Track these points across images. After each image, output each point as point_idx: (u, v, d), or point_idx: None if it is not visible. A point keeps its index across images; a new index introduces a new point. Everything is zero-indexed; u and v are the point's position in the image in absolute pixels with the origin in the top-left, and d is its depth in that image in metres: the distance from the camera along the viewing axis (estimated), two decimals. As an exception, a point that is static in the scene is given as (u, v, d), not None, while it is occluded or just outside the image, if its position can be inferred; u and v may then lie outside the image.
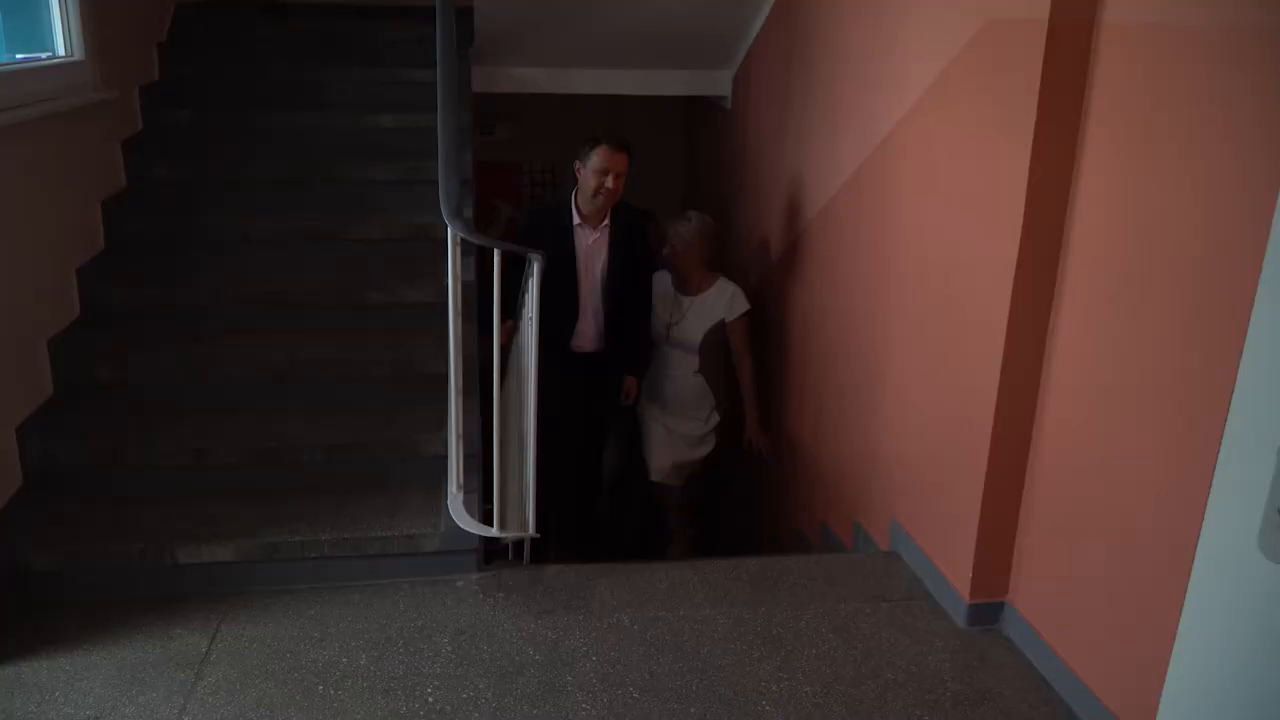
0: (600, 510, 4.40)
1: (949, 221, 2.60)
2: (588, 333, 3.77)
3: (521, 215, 3.71)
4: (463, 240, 2.63)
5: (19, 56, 3.11)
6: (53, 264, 3.00)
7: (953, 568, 2.61)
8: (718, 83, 5.03)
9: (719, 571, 2.81)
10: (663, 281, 4.03)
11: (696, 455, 4.09)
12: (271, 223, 3.47)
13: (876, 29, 3.06)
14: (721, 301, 3.95)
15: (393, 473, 2.86)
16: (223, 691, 2.23)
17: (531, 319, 2.65)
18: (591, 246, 3.66)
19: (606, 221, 3.65)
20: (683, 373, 4.00)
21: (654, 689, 2.27)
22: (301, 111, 3.90)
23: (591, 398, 3.89)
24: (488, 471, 2.75)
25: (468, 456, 2.72)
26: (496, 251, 2.53)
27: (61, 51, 3.21)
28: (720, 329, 3.95)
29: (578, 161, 3.54)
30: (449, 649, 2.39)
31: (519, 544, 2.88)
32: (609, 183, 3.48)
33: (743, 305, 3.95)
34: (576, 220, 3.61)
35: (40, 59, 3.13)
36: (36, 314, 2.87)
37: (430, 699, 2.22)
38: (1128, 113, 2.02)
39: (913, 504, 2.86)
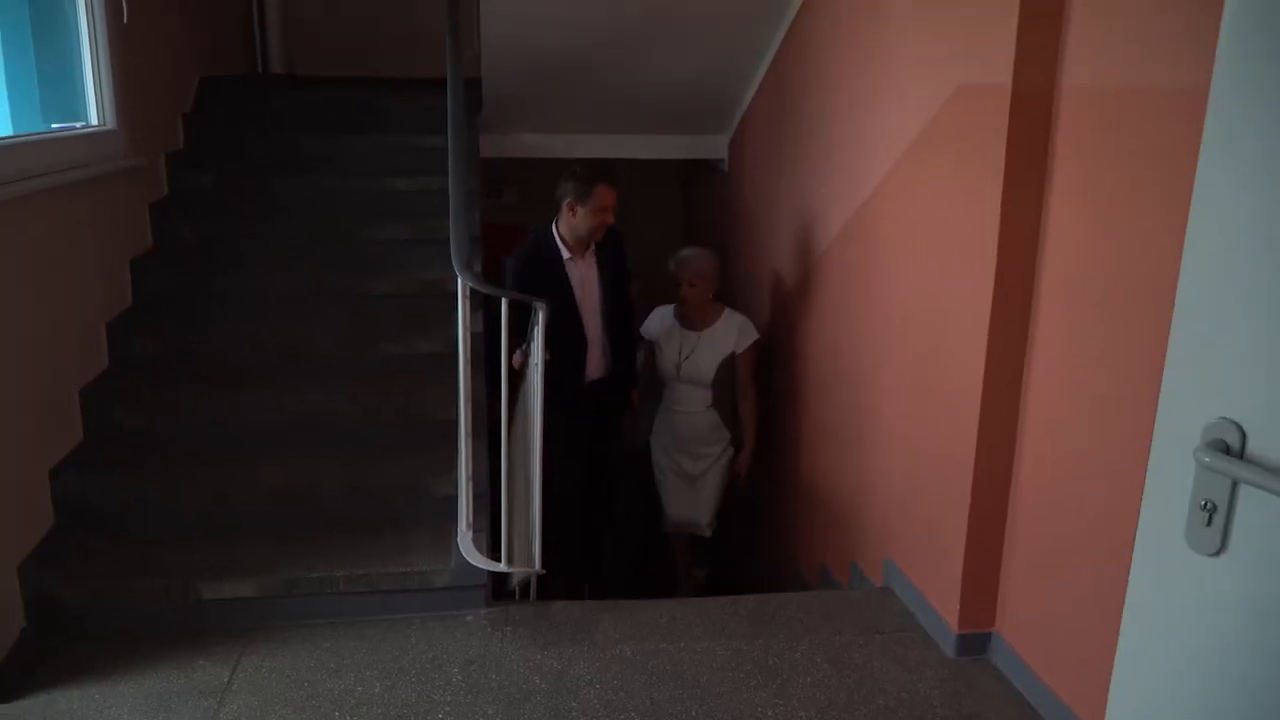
0: (606, 547, 4.46)
1: (930, 270, 2.77)
2: (595, 360, 3.85)
3: (512, 264, 3.69)
4: (472, 292, 2.80)
5: (55, 125, 3.31)
6: (85, 318, 3.17)
7: (941, 601, 2.73)
8: (715, 146, 5.26)
9: (718, 608, 2.92)
10: (665, 318, 4.09)
11: (711, 498, 4.10)
12: (290, 280, 3.65)
13: (858, 97, 3.27)
14: (731, 333, 3.98)
15: (405, 513, 2.99)
16: (244, 718, 2.34)
17: (537, 365, 2.81)
18: (585, 276, 3.77)
19: (591, 249, 3.77)
20: (696, 408, 4.01)
21: (655, 714, 2.38)
22: (318, 175, 4.11)
23: (599, 423, 3.95)
24: (496, 512, 2.88)
25: (477, 497, 2.85)
26: (504, 300, 2.70)
27: (95, 121, 3.42)
28: (731, 361, 3.98)
29: (570, 199, 3.62)
30: (459, 678, 2.50)
31: (524, 585, 3.00)
32: (609, 219, 3.65)
33: (752, 335, 3.99)
34: (566, 255, 3.71)
35: (75, 128, 3.34)
36: (70, 365, 3.03)
37: (440, 719, 2.33)
38: (1086, 165, 2.20)
39: (904, 542, 2.98)
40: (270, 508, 2.94)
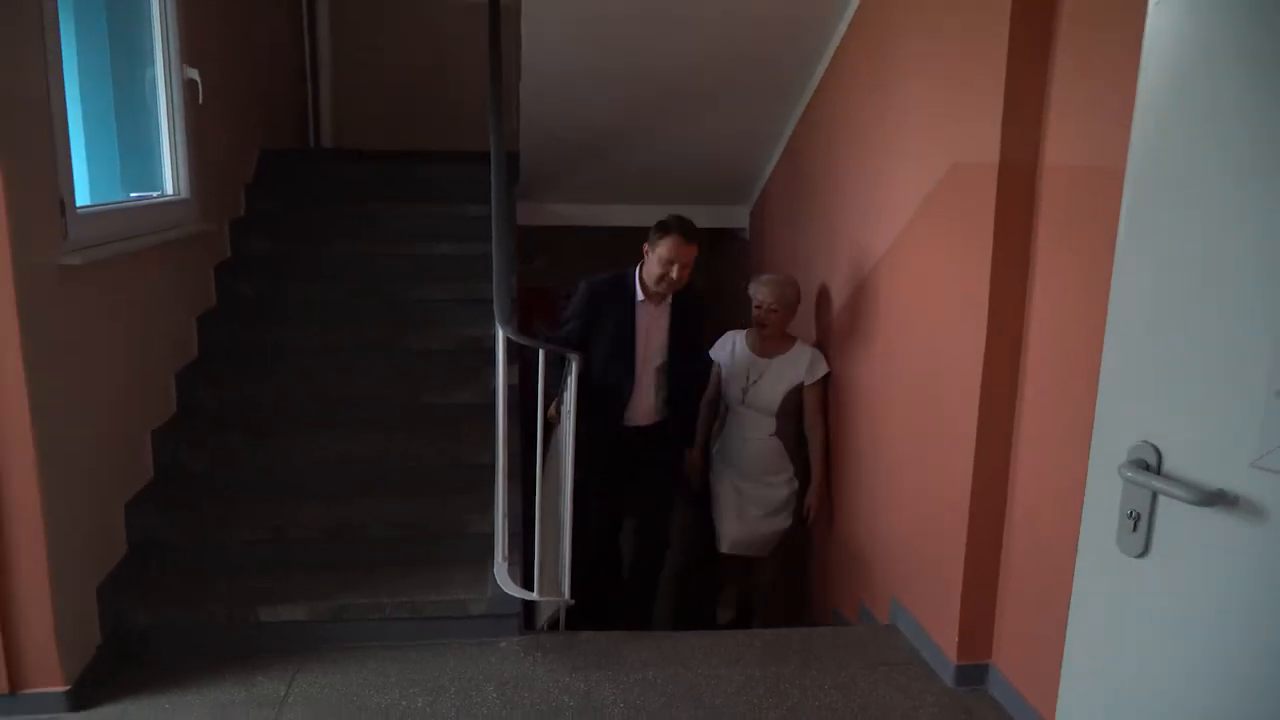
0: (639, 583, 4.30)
1: (929, 327, 3.03)
2: (641, 406, 3.77)
3: (586, 284, 3.72)
4: (509, 345, 3.08)
5: (134, 194, 3.65)
6: (157, 368, 3.48)
7: (942, 634, 2.93)
8: (737, 216, 5.57)
9: (734, 640, 3.14)
10: (734, 342, 4.04)
11: (773, 528, 3.99)
12: (340, 335, 3.95)
13: (866, 170, 3.57)
14: (802, 364, 3.90)
15: (444, 548, 3.23)
16: (300, 727, 2.57)
17: (569, 412, 3.07)
18: (652, 321, 3.71)
19: (668, 300, 3.73)
20: (759, 435, 3.93)
21: None
22: (365, 241, 4.44)
23: (642, 469, 3.86)
24: (529, 548, 3.12)
25: (511, 534, 3.10)
26: (541, 350, 2.97)
27: (170, 191, 3.76)
28: (798, 392, 3.90)
29: (646, 244, 3.63)
30: (495, 696, 2.72)
31: (554, 622, 3.23)
32: (674, 273, 3.55)
33: (823, 368, 3.90)
34: (640, 296, 3.67)
35: (152, 197, 3.68)
36: (143, 410, 3.33)
37: (479, 735, 2.55)
38: (1065, 230, 2.46)
39: (908, 581, 3.19)
40: (321, 542, 3.20)
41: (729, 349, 4.04)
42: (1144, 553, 1.41)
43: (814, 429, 3.94)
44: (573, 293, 3.85)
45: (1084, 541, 1.51)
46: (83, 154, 3.44)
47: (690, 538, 4.29)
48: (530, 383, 3.21)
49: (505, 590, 2.97)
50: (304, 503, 3.30)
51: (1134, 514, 1.40)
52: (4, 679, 2.59)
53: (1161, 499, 1.38)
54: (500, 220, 3.36)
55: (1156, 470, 1.37)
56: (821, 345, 4.05)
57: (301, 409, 3.65)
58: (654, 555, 4.05)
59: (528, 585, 3.02)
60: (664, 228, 3.57)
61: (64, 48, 2.72)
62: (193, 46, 3.74)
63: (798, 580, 4.47)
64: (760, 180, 5.15)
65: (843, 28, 3.79)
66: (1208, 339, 1.31)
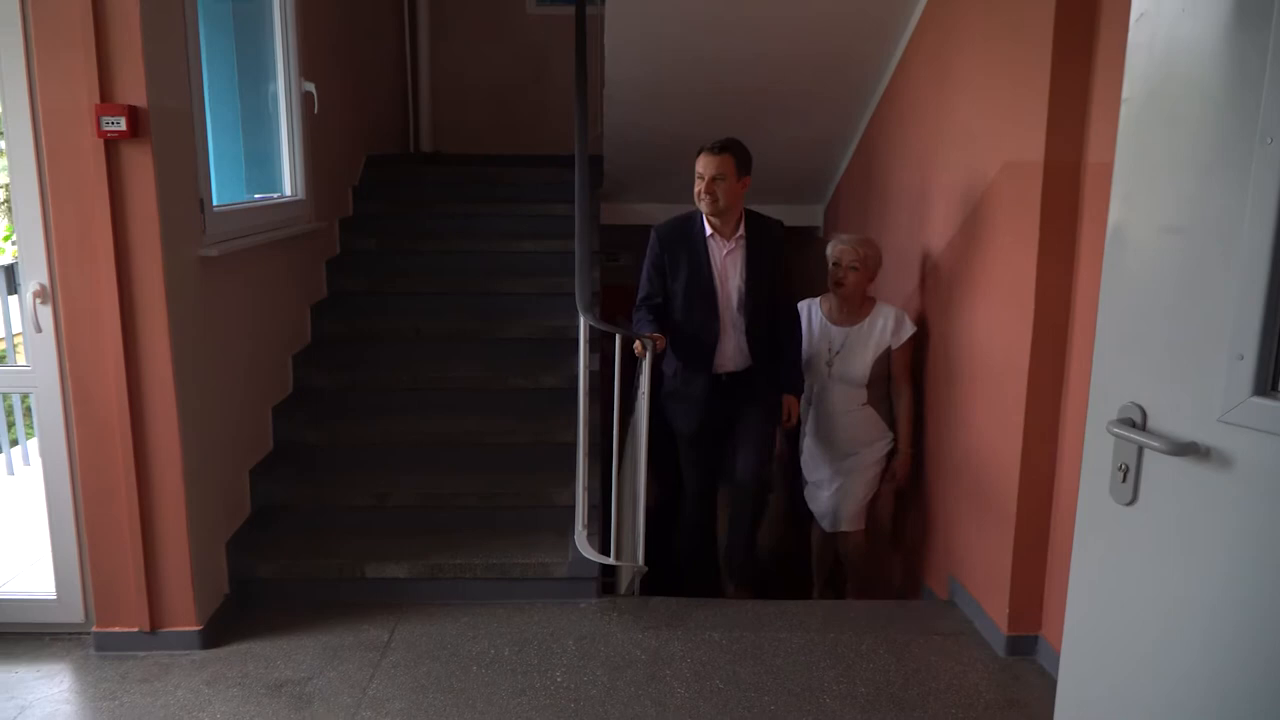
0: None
1: (983, 315, 3.20)
2: (728, 350, 3.60)
3: (655, 231, 3.64)
4: (591, 333, 3.36)
5: (257, 196, 4.05)
6: (276, 351, 3.86)
7: (994, 606, 3.10)
8: (811, 214, 5.76)
9: (797, 608, 3.36)
10: (810, 312, 3.83)
11: (868, 497, 3.83)
12: (436, 324, 4.29)
13: (926, 167, 3.74)
14: (887, 327, 3.68)
15: (530, 518, 3.53)
16: (401, 666, 2.89)
17: (644, 394, 3.33)
18: (726, 259, 3.55)
19: (741, 232, 3.55)
20: (850, 407, 3.75)
21: (736, 683, 2.82)
22: (461, 238, 4.78)
23: (736, 420, 3.70)
24: (607, 519, 3.39)
25: (591, 505, 3.38)
26: (618, 336, 3.24)
27: (289, 192, 4.15)
28: (886, 358, 3.70)
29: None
30: (573, 648, 3.00)
31: (633, 587, 3.49)
32: (704, 187, 3.44)
33: (909, 328, 3.68)
34: (709, 232, 3.54)
35: (273, 198, 4.07)
36: (264, 390, 3.71)
37: (559, 679, 2.83)
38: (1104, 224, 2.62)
39: (964, 557, 3.36)
40: (420, 509, 3.53)
41: (805, 319, 3.79)
42: (1133, 500, 1.60)
43: (900, 393, 3.73)
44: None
45: (1083, 494, 1.70)
46: (213, 159, 3.87)
47: (785, 511, 4.29)
48: (612, 370, 3.48)
49: (584, 555, 3.24)
50: (404, 474, 3.64)
51: (1124, 466, 1.60)
52: (146, 618, 2.98)
53: (1146, 452, 1.56)
54: (582, 219, 3.65)
55: (1142, 427, 1.57)
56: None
57: (402, 391, 4.00)
58: (747, 520, 3.78)
59: (605, 552, 3.29)
60: (697, 151, 3.50)
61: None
62: (309, 62, 4.12)
63: (888, 553, 4.30)
64: (834, 179, 5.33)
65: (910, 29, 3.96)
66: (1182, 312, 1.50)
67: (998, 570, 3.05)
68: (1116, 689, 1.67)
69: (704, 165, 3.46)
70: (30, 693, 2.79)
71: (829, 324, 3.78)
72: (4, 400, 5.11)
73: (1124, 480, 1.60)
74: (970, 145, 3.33)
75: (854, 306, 3.74)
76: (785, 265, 3.65)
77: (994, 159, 3.11)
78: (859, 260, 3.66)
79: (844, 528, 3.85)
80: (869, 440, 3.77)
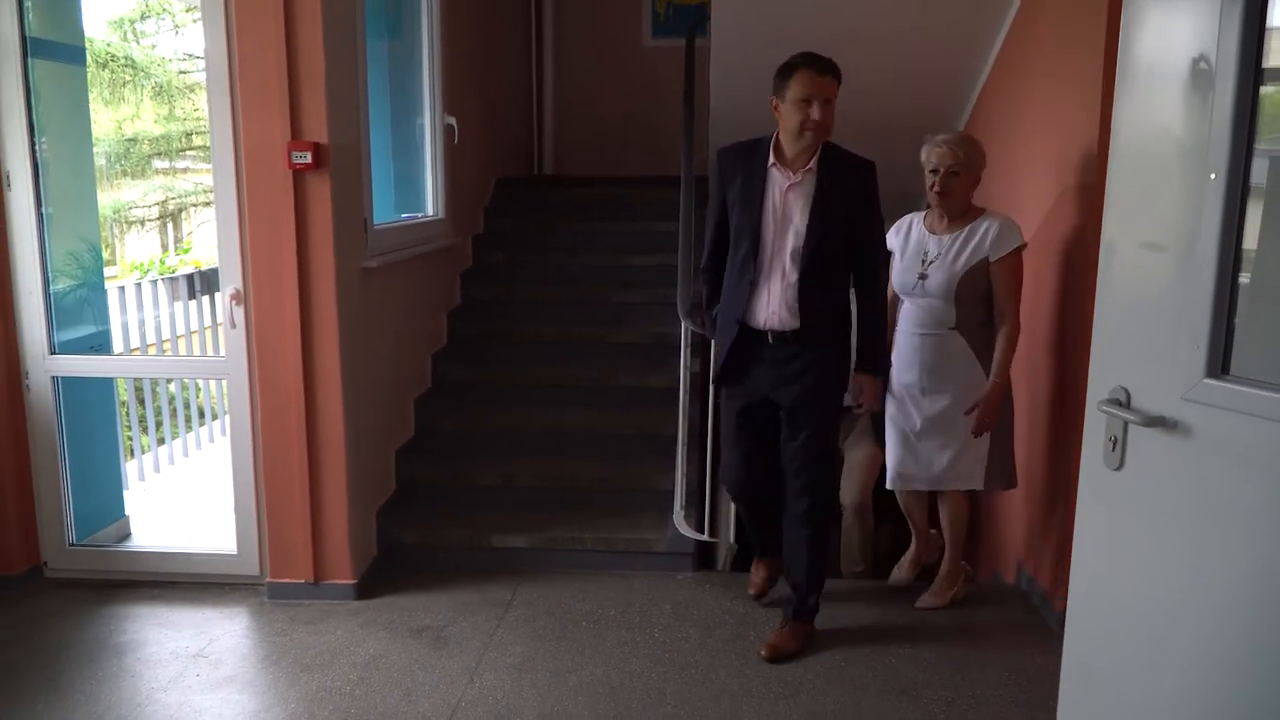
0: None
1: (1050, 293, 3.49)
2: (768, 302, 2.99)
3: (715, 154, 3.19)
4: (692, 337, 3.79)
5: (404, 216, 4.64)
6: (419, 351, 4.44)
7: (1047, 581, 3.39)
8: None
9: (869, 586, 3.71)
10: (911, 225, 3.35)
11: (957, 452, 3.27)
12: (556, 329, 4.79)
13: (1005, 173, 4.06)
14: (989, 236, 3.16)
15: (634, 500, 3.99)
16: (522, 620, 3.38)
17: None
18: (787, 194, 2.96)
19: (811, 166, 2.94)
20: (935, 330, 3.24)
21: (810, 644, 3.20)
22: (579, 253, 5.28)
23: (783, 391, 3.06)
24: (703, 502, 3.81)
25: (689, 490, 3.81)
26: (714, 342, 3.67)
27: (430, 212, 4.73)
28: (983, 271, 3.16)
29: (774, 98, 2.96)
30: (669, 611, 3.44)
31: (728, 563, 3.90)
32: (814, 113, 2.87)
33: (1013, 239, 3.15)
34: (772, 161, 2.98)
35: (418, 217, 4.66)
36: (408, 383, 4.28)
37: (656, 634, 3.27)
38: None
39: (1024, 540, 3.65)
40: (540, 489, 4.03)
41: (904, 232, 3.35)
42: (1120, 467, 1.94)
43: (1001, 315, 3.19)
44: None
45: (1084, 463, 2.04)
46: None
47: (864, 477, 3.91)
48: (709, 371, 3.89)
49: (682, 532, 3.67)
50: (526, 458, 4.15)
51: (1113, 438, 1.93)
52: (311, 571, 3.54)
53: (1130, 426, 1.91)
54: (685, 234, 4.09)
55: (1126, 405, 1.91)
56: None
57: (525, 387, 4.51)
58: (803, 557, 3.15)
59: (700, 531, 3.71)
60: (789, 67, 2.91)
61: (363, 105, 3.69)
62: (450, 97, 4.70)
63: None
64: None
65: (1000, 39, 4.22)
66: (1157, 310, 1.83)
67: (1049, 550, 3.35)
68: (1114, 636, 2.00)
69: (811, 86, 2.87)
70: (215, 629, 3.38)
71: (926, 233, 3.28)
72: (182, 386, 5.87)
73: (1113, 450, 1.94)
74: (1035, 136, 3.63)
75: (957, 215, 3.23)
76: (876, 214, 3.02)
77: (1055, 182, 3.42)
78: (960, 163, 3.16)
79: (948, 487, 3.34)
80: (954, 374, 3.23)
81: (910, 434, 3.35)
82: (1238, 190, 1.69)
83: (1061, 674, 2.13)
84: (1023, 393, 3.67)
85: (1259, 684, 1.69)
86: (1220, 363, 1.74)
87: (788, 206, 2.97)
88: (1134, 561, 1.94)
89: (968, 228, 3.21)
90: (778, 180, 2.98)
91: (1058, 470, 3.32)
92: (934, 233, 3.27)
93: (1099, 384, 1.98)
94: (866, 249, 3.04)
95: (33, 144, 3.44)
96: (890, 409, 3.39)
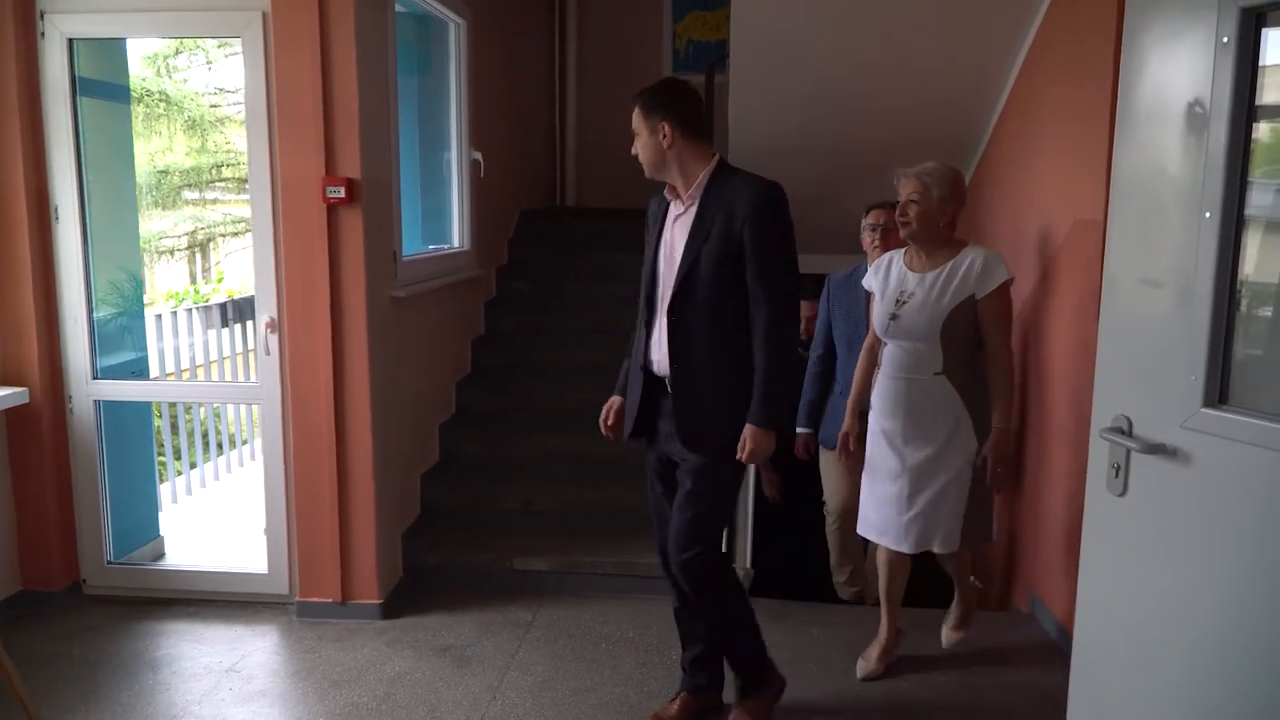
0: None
1: (1061, 341, 3.58)
2: (660, 347, 2.71)
3: None
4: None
5: (431, 247, 4.77)
6: (443, 378, 4.55)
7: (1053, 600, 3.44)
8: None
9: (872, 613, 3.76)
10: (890, 262, 3.18)
11: (949, 506, 3.04)
12: (579, 356, 4.89)
13: (1016, 220, 4.14)
14: (973, 270, 2.99)
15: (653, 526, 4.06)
16: (542, 640, 3.46)
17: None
18: (674, 226, 2.73)
19: (694, 192, 2.66)
20: (915, 375, 3.02)
21: (828, 666, 3.28)
22: (600, 283, 5.39)
23: (670, 442, 2.76)
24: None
25: (707, 516, 3.88)
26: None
27: (457, 244, 4.86)
28: (969, 309, 2.98)
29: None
30: (687, 633, 3.51)
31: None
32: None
33: (999, 274, 2.99)
34: (668, 193, 2.77)
35: (444, 249, 4.79)
36: (433, 409, 4.40)
37: (674, 656, 3.30)
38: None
39: (1039, 568, 3.70)
40: (561, 513, 4.12)
41: (883, 271, 3.18)
42: (1124, 493, 2.01)
43: (994, 357, 3.05)
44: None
45: (1089, 489, 2.12)
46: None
47: (849, 476, 3.64)
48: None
49: (700, 557, 3.74)
50: (547, 484, 4.25)
51: (1116, 465, 2.01)
52: (339, 591, 3.63)
53: (1133, 454, 1.98)
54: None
55: (1128, 434, 1.98)
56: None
57: (548, 414, 4.62)
58: (701, 629, 2.90)
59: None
60: None
61: (393, 141, 3.83)
62: (477, 133, 4.85)
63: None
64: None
65: (1009, 85, 4.32)
66: (1156, 343, 1.91)
67: (1054, 569, 3.40)
68: (1121, 657, 2.07)
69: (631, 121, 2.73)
70: (247, 645, 3.47)
71: (906, 270, 3.11)
72: (215, 414, 6.01)
73: (1116, 476, 2.02)
74: (1047, 203, 3.73)
75: (933, 249, 3.06)
76: (768, 242, 2.60)
77: (1066, 216, 3.51)
78: (919, 191, 3.00)
79: (936, 549, 3.10)
80: (937, 421, 3.01)
81: (888, 484, 3.10)
82: (1232, 227, 1.78)
83: (1069, 695, 2.20)
84: (1032, 422, 3.75)
85: (1261, 701, 1.75)
86: (1217, 392, 1.82)
87: (674, 239, 2.72)
88: (1138, 584, 2.01)
89: (950, 263, 3.03)
90: (671, 213, 2.76)
91: (1073, 496, 3.38)
92: (913, 270, 3.10)
93: (1102, 412, 2.07)
94: (756, 280, 2.59)
95: (80, 178, 3.60)
96: (869, 455, 3.18)
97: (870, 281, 3.24)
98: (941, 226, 3.04)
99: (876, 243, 3.70)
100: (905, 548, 3.10)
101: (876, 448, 3.15)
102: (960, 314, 2.99)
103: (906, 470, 3.07)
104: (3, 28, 3.44)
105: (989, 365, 3.08)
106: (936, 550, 3.11)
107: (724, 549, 2.99)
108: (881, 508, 3.14)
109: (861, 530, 3.27)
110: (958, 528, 3.07)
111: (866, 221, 3.80)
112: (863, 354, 3.35)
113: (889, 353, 3.11)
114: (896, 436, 3.08)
